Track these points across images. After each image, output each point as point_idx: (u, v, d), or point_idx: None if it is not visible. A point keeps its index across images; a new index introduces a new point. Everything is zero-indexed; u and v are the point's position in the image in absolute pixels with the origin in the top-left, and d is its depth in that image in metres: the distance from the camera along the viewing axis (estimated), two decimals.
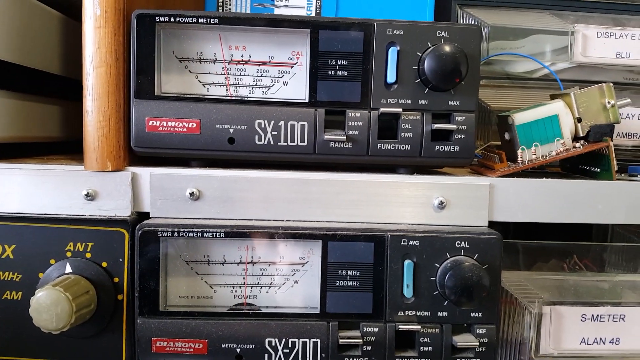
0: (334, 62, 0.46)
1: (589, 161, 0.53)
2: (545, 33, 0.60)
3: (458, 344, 0.45)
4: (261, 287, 0.47)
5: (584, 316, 0.48)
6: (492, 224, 0.47)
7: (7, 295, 0.47)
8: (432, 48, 0.45)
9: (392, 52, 0.45)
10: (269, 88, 0.48)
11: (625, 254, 0.57)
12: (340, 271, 0.45)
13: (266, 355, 0.45)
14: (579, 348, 0.48)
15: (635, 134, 0.60)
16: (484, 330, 0.45)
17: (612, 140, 0.49)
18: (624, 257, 0.57)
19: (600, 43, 0.58)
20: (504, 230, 0.47)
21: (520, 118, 0.49)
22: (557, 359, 0.49)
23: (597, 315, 0.48)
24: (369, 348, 0.45)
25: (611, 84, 0.49)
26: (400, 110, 0.45)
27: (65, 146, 0.63)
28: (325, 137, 0.46)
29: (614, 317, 0.48)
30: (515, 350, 0.50)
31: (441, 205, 0.47)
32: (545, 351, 0.48)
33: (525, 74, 0.62)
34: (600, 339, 0.48)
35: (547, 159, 0.49)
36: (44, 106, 0.57)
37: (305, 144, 0.46)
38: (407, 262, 0.45)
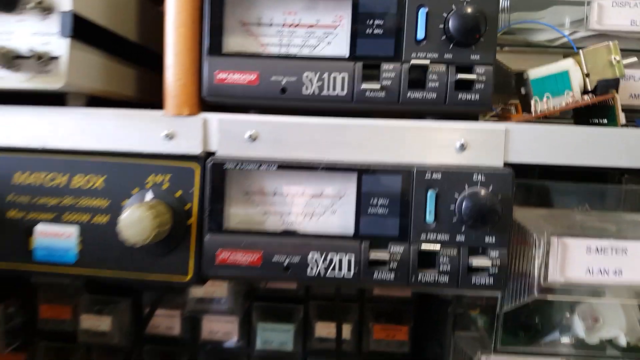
0: (371, 22, 0.54)
1: (597, 114, 0.59)
2: (564, 4, 0.66)
3: (473, 264, 0.52)
4: (305, 215, 0.56)
5: (589, 248, 0.54)
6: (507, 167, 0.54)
7: (96, 219, 0.58)
8: (455, 9, 0.52)
9: (422, 13, 0.53)
10: (315, 47, 0.56)
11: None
12: (372, 200, 0.53)
13: (309, 267, 0.54)
14: (584, 277, 0.54)
15: None
16: (497, 253, 0.52)
17: (617, 93, 0.55)
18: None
19: (615, 12, 0.64)
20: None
21: (534, 73, 0.56)
22: (564, 286, 0.55)
23: (601, 248, 0.54)
24: (395, 265, 0.53)
25: (617, 42, 0.55)
26: (428, 62, 0.53)
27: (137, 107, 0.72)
28: (363, 86, 0.54)
29: (616, 250, 0.54)
30: (526, 281, 0.56)
31: (462, 148, 0.54)
32: (553, 279, 0.54)
33: (545, 42, 0.69)
34: (604, 269, 0.54)
35: (557, 108, 0.55)
36: (124, 68, 0.67)
37: (345, 93, 0.55)
38: (430, 192, 0.52)
